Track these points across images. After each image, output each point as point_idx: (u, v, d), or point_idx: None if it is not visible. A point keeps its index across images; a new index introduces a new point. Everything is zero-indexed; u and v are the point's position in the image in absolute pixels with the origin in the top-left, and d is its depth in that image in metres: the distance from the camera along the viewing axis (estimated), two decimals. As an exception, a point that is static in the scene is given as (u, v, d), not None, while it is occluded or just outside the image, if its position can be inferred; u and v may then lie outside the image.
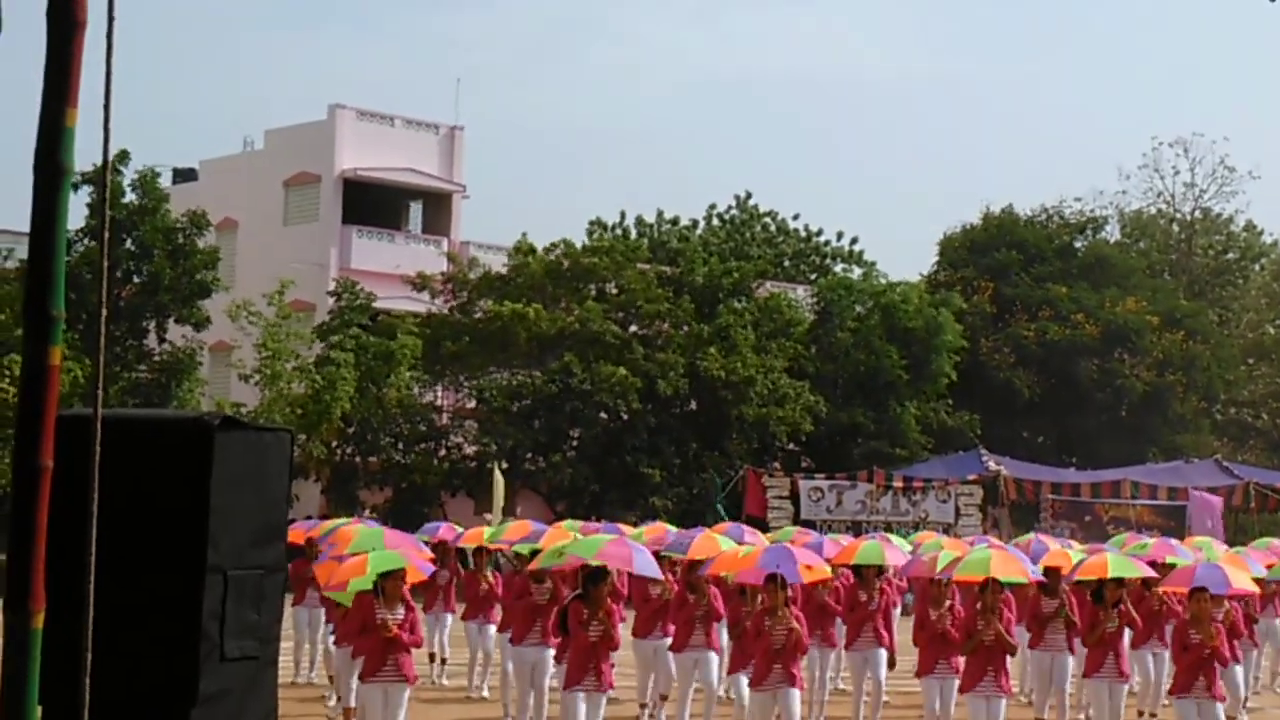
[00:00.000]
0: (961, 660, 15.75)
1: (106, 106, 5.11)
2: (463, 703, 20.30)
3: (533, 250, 44.93)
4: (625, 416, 41.95)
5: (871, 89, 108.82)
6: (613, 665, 14.88)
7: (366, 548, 15.29)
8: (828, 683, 19.10)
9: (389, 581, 14.09)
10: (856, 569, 18.31)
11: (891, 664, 18.27)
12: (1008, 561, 16.45)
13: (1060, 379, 49.64)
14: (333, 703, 18.52)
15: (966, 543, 22.06)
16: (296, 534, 21.60)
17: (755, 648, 15.13)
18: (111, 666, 7.24)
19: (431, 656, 21.76)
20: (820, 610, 18.30)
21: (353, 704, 16.47)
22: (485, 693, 20.52)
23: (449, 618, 21.77)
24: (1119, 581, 16.50)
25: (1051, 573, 17.91)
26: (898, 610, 21.57)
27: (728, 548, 17.69)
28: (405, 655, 14.23)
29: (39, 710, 5.38)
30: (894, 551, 19.47)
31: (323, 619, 20.10)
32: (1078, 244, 55.44)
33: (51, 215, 5.07)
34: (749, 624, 15.42)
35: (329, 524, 22.01)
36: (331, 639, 18.56)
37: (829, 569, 17.48)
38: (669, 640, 17.43)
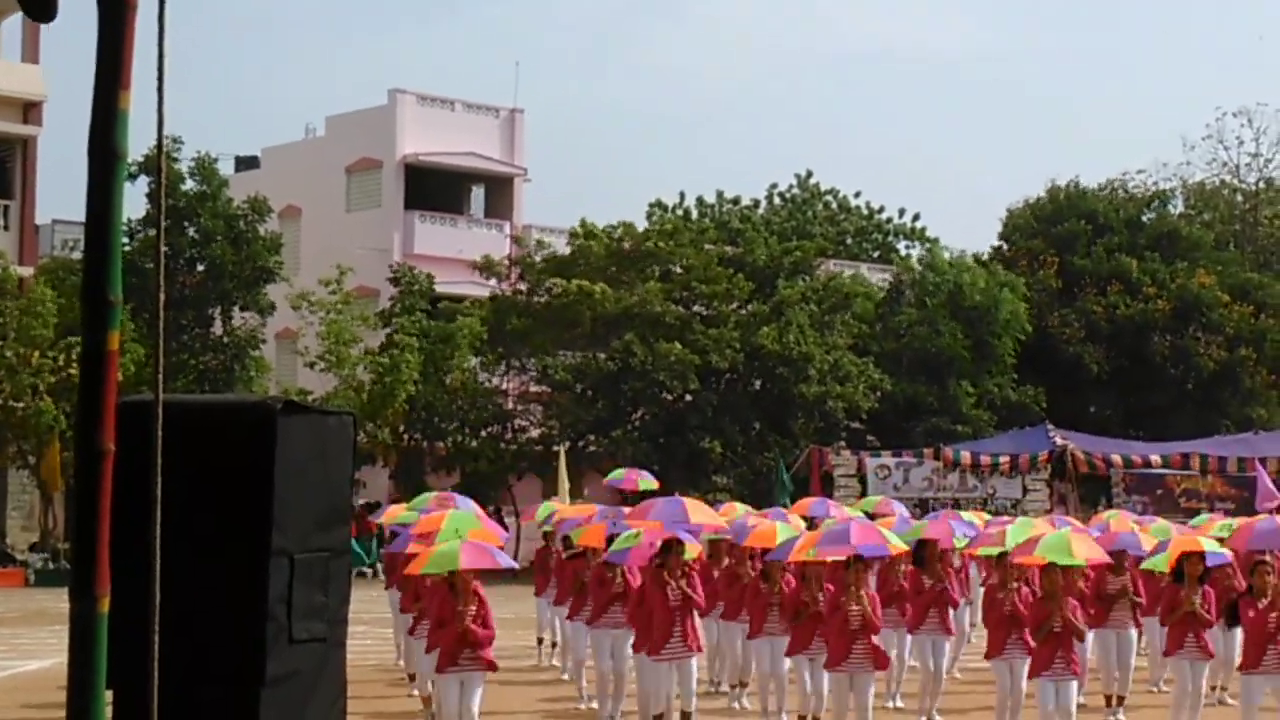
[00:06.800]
0: (1030, 639, 15.49)
1: (160, 89, 5.11)
2: (537, 685, 20.27)
3: (592, 234, 44.92)
4: (689, 397, 41.92)
5: (932, 64, 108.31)
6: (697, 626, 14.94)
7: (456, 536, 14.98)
8: (906, 660, 19.01)
9: (459, 575, 13.91)
10: (917, 554, 18.09)
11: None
12: (1085, 544, 16.06)
13: (1130, 355, 49.15)
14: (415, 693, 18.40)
15: (1047, 522, 21.05)
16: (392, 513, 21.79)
17: (830, 627, 15.03)
18: (179, 649, 7.27)
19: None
20: (898, 592, 18.19)
21: (429, 691, 16.44)
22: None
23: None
24: (1200, 557, 16.17)
25: (1116, 554, 17.77)
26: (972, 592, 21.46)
27: (785, 536, 17.36)
28: (482, 647, 14.15)
29: (108, 693, 5.42)
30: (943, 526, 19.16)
31: None
32: (1144, 217, 54.86)
33: (107, 200, 5.06)
34: (824, 603, 15.27)
35: (420, 500, 21.85)
36: (406, 632, 18.23)
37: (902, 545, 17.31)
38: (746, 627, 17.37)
